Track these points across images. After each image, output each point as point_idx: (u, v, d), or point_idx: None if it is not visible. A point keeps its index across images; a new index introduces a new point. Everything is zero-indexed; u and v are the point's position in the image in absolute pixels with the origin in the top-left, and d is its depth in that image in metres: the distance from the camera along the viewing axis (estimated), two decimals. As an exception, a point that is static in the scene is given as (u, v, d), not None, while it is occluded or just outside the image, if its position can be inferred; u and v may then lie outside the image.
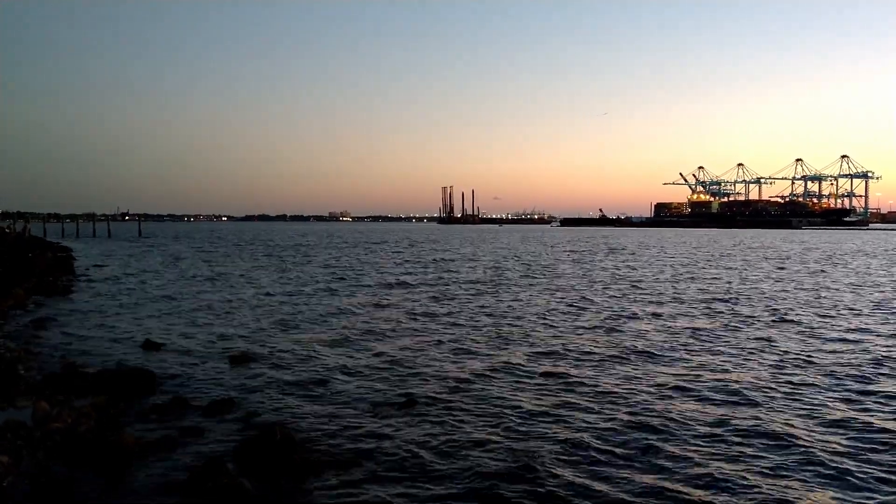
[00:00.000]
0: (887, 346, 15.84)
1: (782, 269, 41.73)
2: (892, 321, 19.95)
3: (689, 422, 10.10)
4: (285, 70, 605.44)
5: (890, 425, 9.84)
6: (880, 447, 8.98)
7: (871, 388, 12.04)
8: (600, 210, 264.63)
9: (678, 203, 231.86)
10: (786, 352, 15.33)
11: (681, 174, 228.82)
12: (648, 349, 15.70)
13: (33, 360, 13.99)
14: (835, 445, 9.05)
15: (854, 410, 10.68)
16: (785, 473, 8.12)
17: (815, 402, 11.20)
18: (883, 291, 28.32)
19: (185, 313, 21.69)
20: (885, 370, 13.42)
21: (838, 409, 10.70)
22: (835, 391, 11.86)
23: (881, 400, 11.27)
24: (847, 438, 9.35)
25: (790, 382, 12.45)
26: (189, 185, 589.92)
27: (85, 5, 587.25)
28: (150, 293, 27.57)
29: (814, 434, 9.52)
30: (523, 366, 13.96)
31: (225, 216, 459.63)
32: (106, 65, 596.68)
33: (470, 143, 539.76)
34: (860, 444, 9.09)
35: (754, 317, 20.88)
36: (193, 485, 7.39)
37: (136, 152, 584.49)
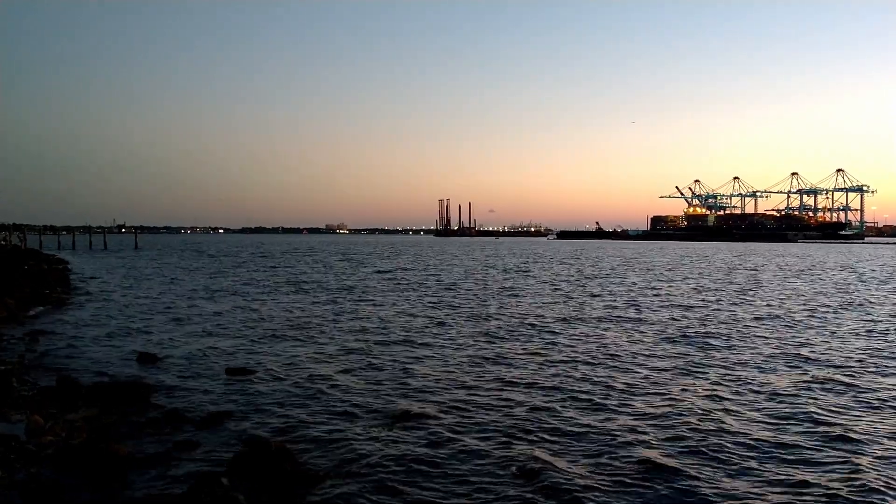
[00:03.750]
0: None
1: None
2: None
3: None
4: (283, 82, 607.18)
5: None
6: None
7: None
8: (597, 223, 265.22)
9: (674, 216, 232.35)
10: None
11: (677, 187, 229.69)
12: (638, 360, 15.74)
13: (27, 373, 13.94)
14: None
15: None
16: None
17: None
18: None
19: (180, 326, 21.63)
20: None
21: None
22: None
23: None
24: None
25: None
26: (185, 197, 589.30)
27: (82, 14, 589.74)
28: (145, 306, 27.51)
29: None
30: (519, 376, 13.92)
31: (221, 228, 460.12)
32: (103, 75, 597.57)
33: (467, 156, 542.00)
34: None
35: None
36: (188, 498, 7.35)
37: (132, 164, 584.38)
